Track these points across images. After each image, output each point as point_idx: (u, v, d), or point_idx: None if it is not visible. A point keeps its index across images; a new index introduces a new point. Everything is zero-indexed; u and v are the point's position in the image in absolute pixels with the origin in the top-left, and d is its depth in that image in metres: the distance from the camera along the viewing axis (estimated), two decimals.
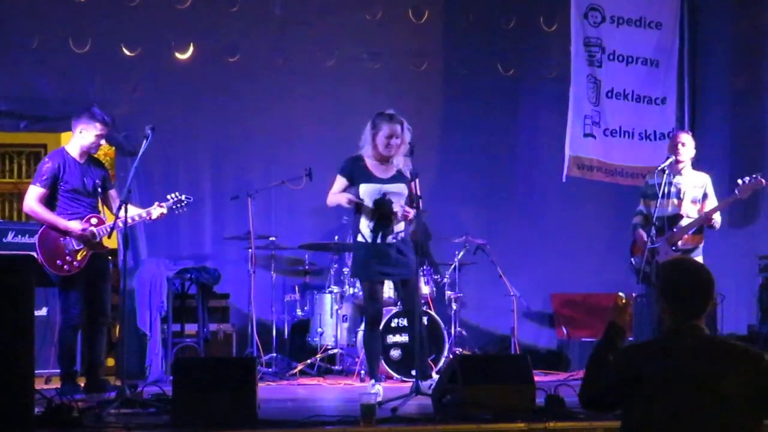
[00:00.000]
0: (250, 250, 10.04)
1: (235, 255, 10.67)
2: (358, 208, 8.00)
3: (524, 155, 11.56)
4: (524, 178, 11.51)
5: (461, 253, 10.40)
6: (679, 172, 8.73)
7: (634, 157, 10.56)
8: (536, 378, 7.05)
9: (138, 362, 9.65)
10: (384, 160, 8.03)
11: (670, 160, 8.67)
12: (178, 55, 10.74)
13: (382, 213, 7.85)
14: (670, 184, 8.71)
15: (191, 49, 10.77)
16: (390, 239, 7.91)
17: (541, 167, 11.36)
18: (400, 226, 7.94)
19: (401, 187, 7.93)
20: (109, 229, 8.07)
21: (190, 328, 10.06)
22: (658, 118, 10.77)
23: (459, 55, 11.53)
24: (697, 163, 8.97)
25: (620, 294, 4.57)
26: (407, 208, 7.86)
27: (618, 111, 10.76)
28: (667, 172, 8.65)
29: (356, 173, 8.03)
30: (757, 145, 10.68)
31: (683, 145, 8.75)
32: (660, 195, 8.65)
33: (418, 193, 7.82)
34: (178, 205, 8.38)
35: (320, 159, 10.44)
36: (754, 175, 8.37)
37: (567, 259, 11.25)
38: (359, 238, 8.01)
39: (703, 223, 8.63)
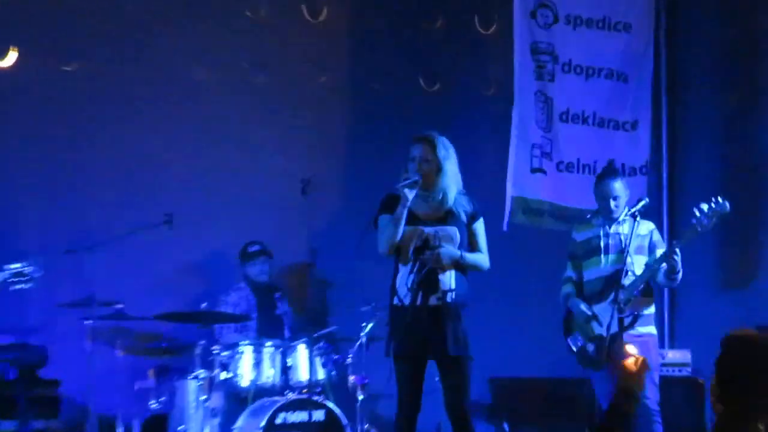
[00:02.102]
0: (88, 322, 9.36)
1: (68, 328, 9.72)
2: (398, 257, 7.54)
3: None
4: None
5: (370, 325, 9.64)
6: (616, 221, 8.31)
7: None
8: None
9: None
10: (428, 195, 7.51)
11: (622, 210, 8.21)
12: None
13: (423, 264, 7.30)
14: (607, 236, 8.30)
15: (13, 54, 10.00)
16: (433, 300, 7.34)
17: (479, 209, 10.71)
18: (448, 281, 7.36)
19: (451, 231, 7.37)
20: None
21: (7, 426, 9.31)
22: (627, 147, 10.34)
23: (369, 64, 11.10)
24: (681, 204, 9.01)
25: (629, 347, 4.75)
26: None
27: (575, 138, 10.35)
28: (601, 224, 8.33)
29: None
30: (754, 177, 10.23)
31: (615, 198, 8.32)
32: (595, 252, 8.34)
33: (479, 241, 7.47)
34: (18, 279, 7.87)
35: (184, 201, 10.14)
36: (714, 199, 7.90)
37: (510, 333, 10.63)
38: (394, 300, 7.43)
39: (655, 271, 8.11)
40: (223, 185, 10.68)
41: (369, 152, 10.85)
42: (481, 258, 7.64)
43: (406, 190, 7.37)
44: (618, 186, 8.35)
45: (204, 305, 9.60)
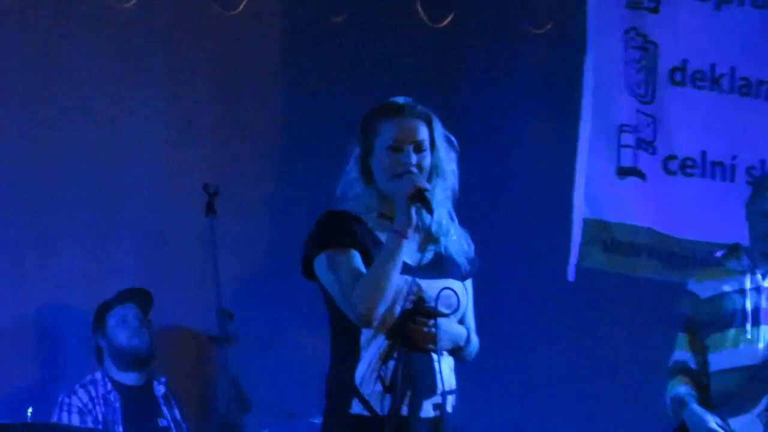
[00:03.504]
0: None
1: None
2: (346, 327, 5.73)
3: (479, 209, 8.51)
4: (480, 265, 8.08)
5: None
6: None
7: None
8: None
9: None
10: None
11: None
12: None
13: (413, 342, 5.61)
14: (759, 291, 7.02)
15: None
16: (428, 408, 5.63)
17: (518, 242, 9.00)
18: (448, 376, 5.67)
19: (452, 292, 5.71)
20: None
21: None
22: None
23: None
24: None
25: None
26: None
27: (698, 116, 8.39)
28: (746, 269, 7.09)
29: (367, 246, 5.82)
30: None
31: None
32: (732, 319, 7.09)
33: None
34: None
35: (0, 226, 8.52)
36: None
37: None
38: (352, 406, 5.67)
39: None
40: (71, 199, 8.66)
41: (321, 140, 8.71)
42: (476, 345, 5.81)
43: (415, 209, 5.48)
44: None
45: (30, 412, 7.99)
